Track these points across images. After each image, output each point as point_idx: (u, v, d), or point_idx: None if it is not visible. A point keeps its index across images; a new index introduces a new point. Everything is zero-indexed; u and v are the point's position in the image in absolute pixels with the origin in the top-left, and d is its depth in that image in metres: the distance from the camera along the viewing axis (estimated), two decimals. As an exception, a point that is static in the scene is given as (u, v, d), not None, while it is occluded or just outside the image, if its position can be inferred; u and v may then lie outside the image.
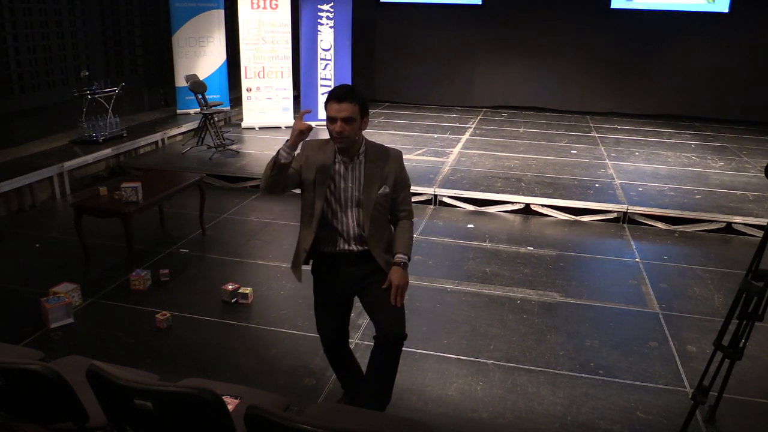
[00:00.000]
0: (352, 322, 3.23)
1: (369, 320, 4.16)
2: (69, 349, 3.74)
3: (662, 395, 3.60)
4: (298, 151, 2.80)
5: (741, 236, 6.30)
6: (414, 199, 6.89)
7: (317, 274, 3.04)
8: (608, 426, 3.31)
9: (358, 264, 2.91)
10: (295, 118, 2.86)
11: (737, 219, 6.35)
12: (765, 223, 2.72)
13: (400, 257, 2.87)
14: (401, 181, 2.92)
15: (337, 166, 2.83)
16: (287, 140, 2.71)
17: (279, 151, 2.72)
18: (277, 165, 2.72)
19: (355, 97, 2.71)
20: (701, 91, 11.75)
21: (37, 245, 5.62)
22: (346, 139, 2.73)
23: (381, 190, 2.84)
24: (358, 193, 2.83)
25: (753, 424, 3.38)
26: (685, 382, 3.72)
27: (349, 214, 2.85)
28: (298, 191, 2.91)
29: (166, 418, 2.15)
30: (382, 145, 2.92)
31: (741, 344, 2.85)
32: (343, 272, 2.93)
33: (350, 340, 3.33)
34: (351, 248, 2.88)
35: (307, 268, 3.03)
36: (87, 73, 8.40)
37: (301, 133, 2.69)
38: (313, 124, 2.89)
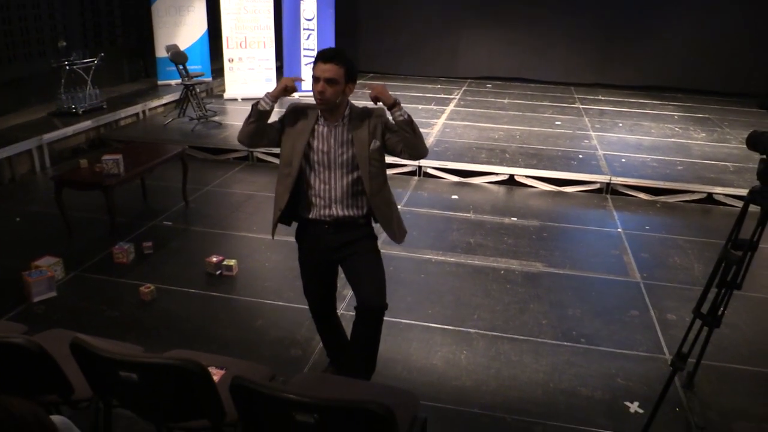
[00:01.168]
0: (338, 292, 3.23)
1: (354, 291, 4.19)
2: (52, 322, 3.72)
3: (642, 362, 3.67)
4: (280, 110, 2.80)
5: (721, 207, 6.37)
6: (398, 170, 6.89)
7: (299, 239, 3.05)
8: (589, 392, 3.38)
9: (338, 231, 2.90)
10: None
11: (718, 190, 6.41)
12: (745, 194, 2.75)
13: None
14: (389, 126, 2.84)
15: (319, 127, 2.82)
16: (269, 91, 2.79)
17: (259, 100, 2.78)
18: (254, 112, 2.78)
19: (342, 60, 2.70)
20: (684, 62, 11.74)
21: (18, 219, 5.55)
22: (327, 101, 2.72)
23: (372, 146, 2.81)
24: (347, 155, 2.81)
25: (729, 389, 3.47)
26: (665, 350, 3.79)
27: (335, 174, 2.83)
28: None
29: (151, 390, 2.16)
30: (365, 107, 2.89)
31: (719, 312, 2.90)
32: (322, 239, 2.92)
33: (337, 310, 3.34)
34: (332, 212, 2.87)
35: (291, 238, 3.04)
36: (64, 44, 8.22)
37: (285, 88, 2.78)
38: (296, 94, 2.89)
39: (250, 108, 2.81)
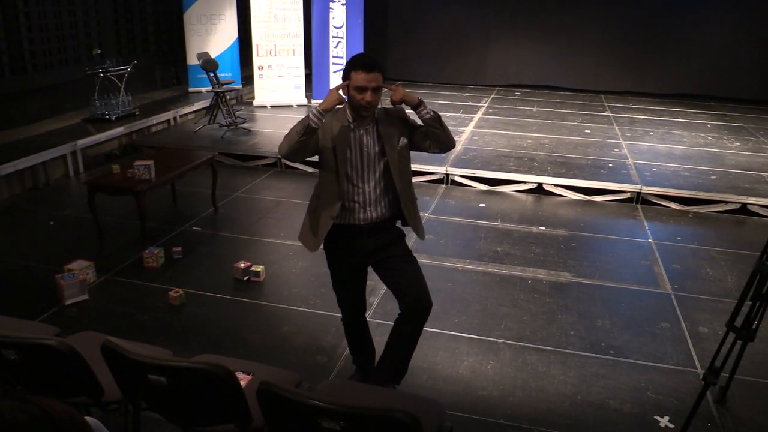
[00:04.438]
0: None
1: (380, 298, 4.20)
2: (84, 325, 3.78)
3: (673, 376, 3.60)
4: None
5: (756, 217, 6.23)
6: (426, 178, 6.89)
7: (330, 247, 3.03)
8: (618, 405, 3.32)
9: (372, 235, 2.91)
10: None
11: (752, 200, 6.28)
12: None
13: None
14: (412, 124, 2.92)
15: (352, 132, 2.83)
16: (318, 105, 2.71)
17: (309, 116, 2.71)
18: (308, 130, 2.68)
19: (381, 66, 2.75)
20: (717, 70, 11.55)
21: (51, 223, 5.67)
22: (374, 108, 2.76)
23: (400, 143, 2.85)
24: (378, 155, 2.83)
25: (764, 405, 3.38)
26: (697, 363, 3.71)
27: (369, 177, 2.84)
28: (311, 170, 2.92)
29: (179, 393, 2.18)
30: (384, 108, 2.91)
31: (754, 326, 2.84)
32: (357, 244, 2.93)
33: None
34: (366, 215, 2.87)
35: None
36: (99, 51, 8.40)
37: (340, 101, 2.73)
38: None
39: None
